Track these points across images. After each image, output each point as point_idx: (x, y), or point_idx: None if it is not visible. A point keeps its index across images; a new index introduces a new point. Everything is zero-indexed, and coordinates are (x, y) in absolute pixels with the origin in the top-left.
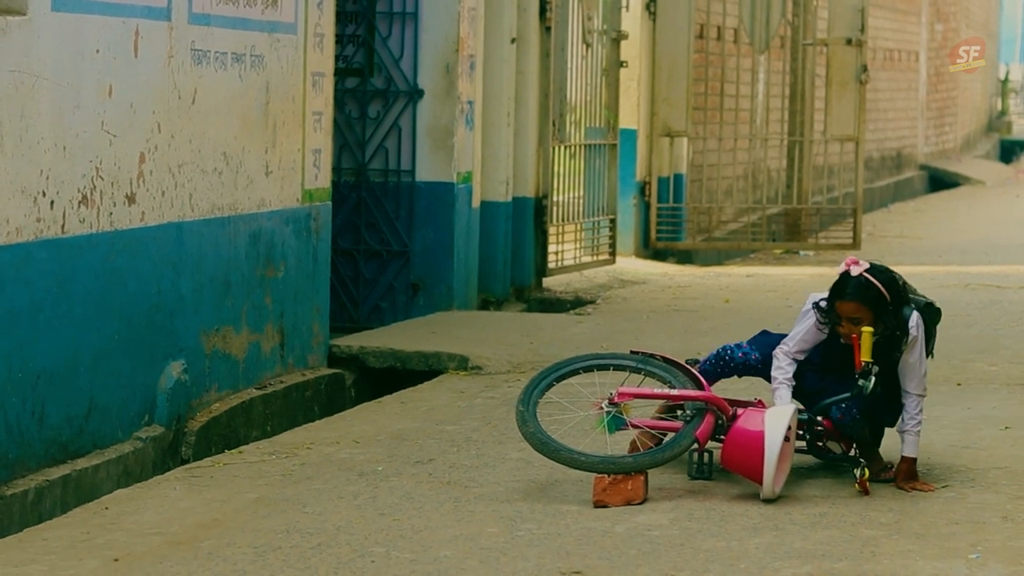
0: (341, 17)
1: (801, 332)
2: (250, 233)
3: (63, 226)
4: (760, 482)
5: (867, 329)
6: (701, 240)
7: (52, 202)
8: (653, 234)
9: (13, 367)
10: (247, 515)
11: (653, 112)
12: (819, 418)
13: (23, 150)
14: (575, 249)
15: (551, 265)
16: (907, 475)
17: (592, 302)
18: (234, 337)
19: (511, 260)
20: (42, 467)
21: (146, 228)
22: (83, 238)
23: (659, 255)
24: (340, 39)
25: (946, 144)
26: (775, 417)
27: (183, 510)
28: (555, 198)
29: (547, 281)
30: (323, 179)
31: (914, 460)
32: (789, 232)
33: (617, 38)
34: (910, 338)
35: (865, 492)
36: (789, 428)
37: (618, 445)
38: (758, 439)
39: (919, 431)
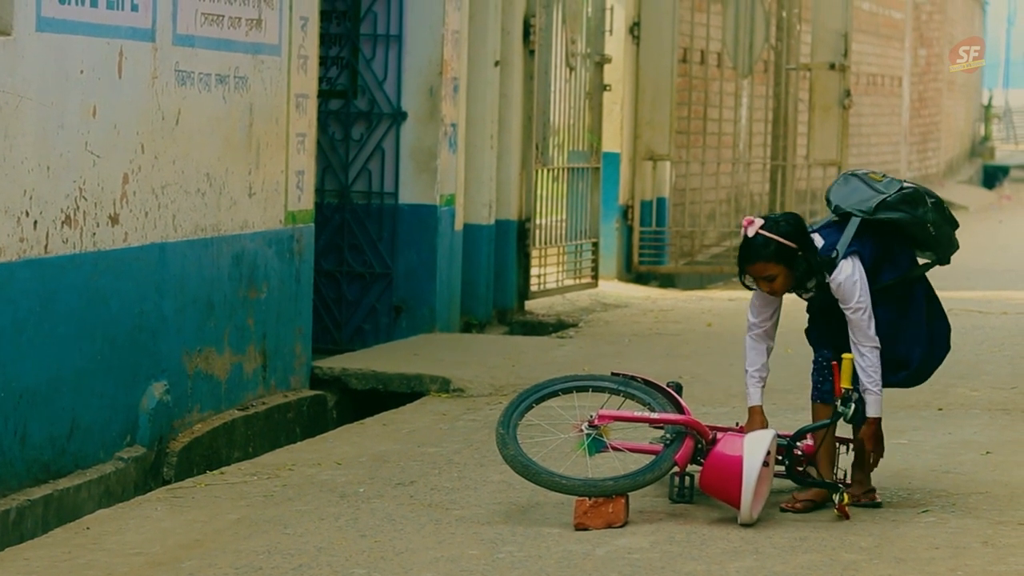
0: (325, 39)
1: (751, 301)
2: (233, 254)
3: (46, 246)
4: (738, 507)
5: (847, 356)
6: (683, 264)
7: (35, 222)
8: (636, 258)
9: None
10: (228, 536)
11: (636, 136)
12: (798, 443)
13: (6, 170)
14: (557, 272)
15: (533, 288)
16: (871, 436)
17: (574, 325)
18: (216, 358)
19: (493, 283)
20: (24, 487)
21: (129, 249)
22: (66, 258)
23: (641, 279)
24: (324, 61)
25: (929, 169)
26: (754, 443)
27: (165, 531)
28: (538, 221)
29: (529, 304)
30: (306, 201)
31: (877, 420)
32: None
33: (600, 61)
34: (835, 285)
35: (845, 516)
36: (768, 453)
37: (599, 468)
38: (736, 464)
39: (879, 388)
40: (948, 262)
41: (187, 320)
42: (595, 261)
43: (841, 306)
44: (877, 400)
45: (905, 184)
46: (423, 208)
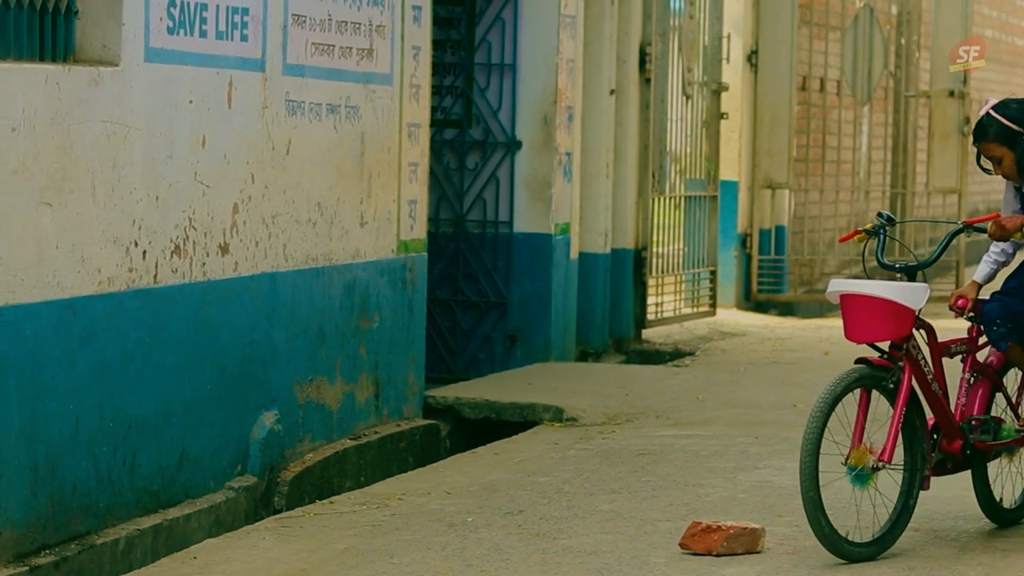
0: (439, 68)
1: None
2: (344, 284)
3: (155, 276)
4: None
5: None
6: (803, 292)
7: (144, 252)
8: (754, 286)
9: (105, 416)
10: (334, 566)
11: (754, 164)
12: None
13: (116, 200)
14: (675, 300)
15: (650, 317)
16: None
17: (691, 354)
18: (328, 387)
19: (610, 311)
20: (133, 516)
21: (239, 278)
22: (175, 288)
23: (760, 307)
24: (438, 90)
25: None
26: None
27: (271, 560)
28: (655, 249)
29: (646, 332)
30: (419, 230)
31: None
32: None
33: (718, 90)
34: None
35: None
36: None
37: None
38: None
39: None
40: None
41: (298, 350)
42: (713, 289)
43: None
44: None
45: None
46: (538, 237)
